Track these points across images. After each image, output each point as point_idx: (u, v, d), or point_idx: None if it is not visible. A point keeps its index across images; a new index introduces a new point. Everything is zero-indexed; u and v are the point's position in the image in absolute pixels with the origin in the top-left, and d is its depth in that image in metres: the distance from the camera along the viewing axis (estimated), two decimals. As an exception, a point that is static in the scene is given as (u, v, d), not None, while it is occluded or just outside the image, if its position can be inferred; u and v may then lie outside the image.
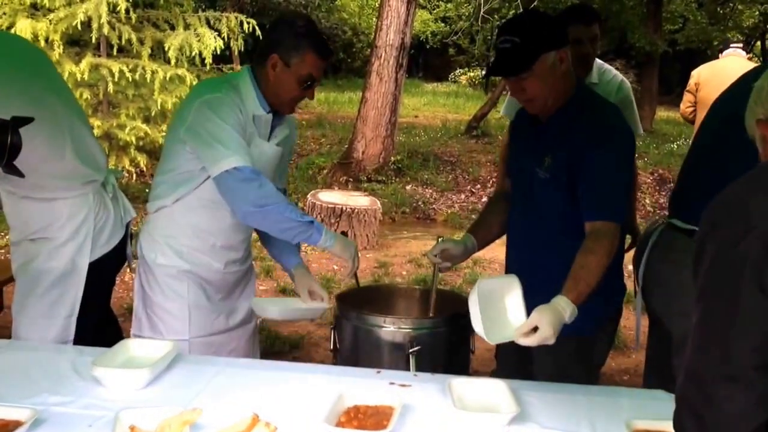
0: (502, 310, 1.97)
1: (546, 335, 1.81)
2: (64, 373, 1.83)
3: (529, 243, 2.23)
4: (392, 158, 9.58)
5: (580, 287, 1.91)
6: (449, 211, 8.65)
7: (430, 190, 9.21)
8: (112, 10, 6.85)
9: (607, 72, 3.23)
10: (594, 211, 2.04)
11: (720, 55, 5.77)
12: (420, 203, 8.66)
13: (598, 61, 3.18)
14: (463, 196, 9.28)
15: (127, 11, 6.89)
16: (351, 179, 9.06)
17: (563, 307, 1.86)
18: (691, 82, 5.48)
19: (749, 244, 1.03)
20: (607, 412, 1.70)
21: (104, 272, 2.45)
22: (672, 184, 9.32)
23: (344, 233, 2.56)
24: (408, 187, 9.19)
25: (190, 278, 2.34)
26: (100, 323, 2.50)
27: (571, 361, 2.15)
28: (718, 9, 18.24)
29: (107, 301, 2.64)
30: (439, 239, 2.31)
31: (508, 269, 2.38)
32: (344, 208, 6.49)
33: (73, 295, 2.34)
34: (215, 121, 2.13)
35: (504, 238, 2.42)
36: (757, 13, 18.40)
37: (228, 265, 2.41)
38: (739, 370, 1.02)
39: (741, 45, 5.80)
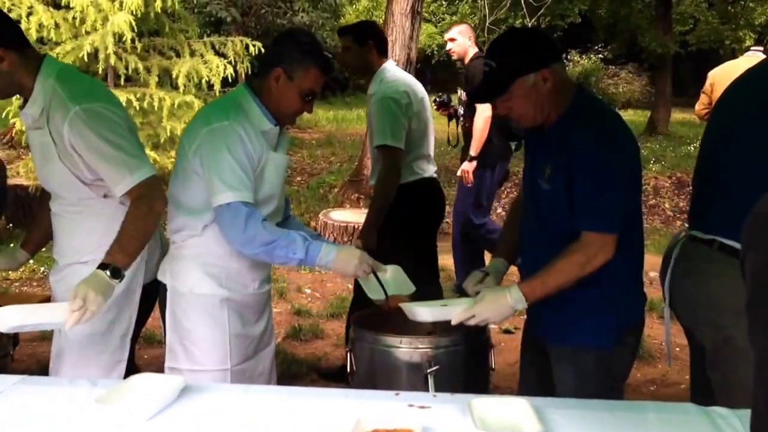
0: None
1: (478, 310, 2.02)
2: (79, 408, 1.77)
3: (538, 253, 2.20)
4: (403, 173, 9.53)
5: (534, 282, 2.04)
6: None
7: (443, 204, 9.15)
8: (119, 40, 6.90)
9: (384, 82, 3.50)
10: (580, 220, 2.01)
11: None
12: (433, 217, 8.59)
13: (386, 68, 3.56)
14: (476, 208, 9.21)
15: (132, 41, 6.95)
16: (362, 196, 9.03)
17: (511, 293, 2.02)
18: (707, 83, 5.51)
19: None
20: (635, 429, 1.63)
21: (150, 297, 2.47)
22: (691, 187, 9.22)
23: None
24: (420, 202, 9.13)
25: (229, 306, 2.33)
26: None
27: (591, 375, 2.10)
28: (729, 8, 18.11)
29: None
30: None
31: (522, 277, 2.34)
32: (356, 227, 6.46)
33: (128, 316, 2.40)
34: (220, 152, 2.16)
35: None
36: (769, 9, 18.28)
37: (261, 284, 2.42)
38: None
39: (762, 48, 5.81)
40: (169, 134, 6.88)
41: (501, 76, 2.04)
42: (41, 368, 3.72)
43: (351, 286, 5.68)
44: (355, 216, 6.83)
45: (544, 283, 2.02)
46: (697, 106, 5.68)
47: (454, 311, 2.08)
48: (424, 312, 2.14)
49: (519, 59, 2.04)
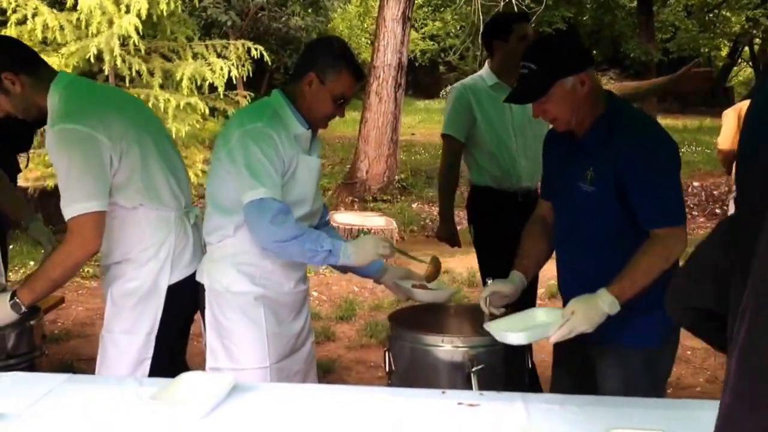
0: (531, 320, 2.15)
1: (575, 323, 1.97)
2: (125, 407, 1.80)
3: (578, 257, 2.24)
4: (396, 177, 9.63)
5: (623, 282, 2.00)
6: (458, 228, 8.66)
7: (437, 208, 9.22)
8: (123, 43, 6.90)
9: None
10: (652, 220, 2.07)
11: None
12: (428, 221, 8.67)
13: None
14: (469, 212, 9.30)
15: (135, 43, 6.94)
16: (357, 199, 9.10)
17: (602, 299, 1.98)
18: (733, 115, 4.84)
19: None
20: (689, 428, 1.64)
21: (183, 295, 2.45)
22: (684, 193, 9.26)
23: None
24: (414, 205, 9.22)
25: (265, 303, 2.36)
26: (175, 354, 2.51)
27: (638, 374, 2.15)
28: (707, 17, 18.47)
29: (184, 336, 2.62)
30: (488, 281, 2.28)
31: (561, 287, 2.39)
32: (361, 229, 6.53)
33: (153, 314, 2.40)
34: (252, 150, 2.21)
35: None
36: (744, 18, 18.64)
37: (297, 283, 2.46)
38: None
39: None
40: (174, 135, 6.88)
41: (541, 78, 2.07)
42: (63, 367, 3.76)
43: (357, 288, 5.73)
44: (359, 219, 6.92)
45: (634, 282, 2.00)
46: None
47: (550, 331, 2.02)
48: (519, 337, 2.01)
49: (559, 61, 2.08)
